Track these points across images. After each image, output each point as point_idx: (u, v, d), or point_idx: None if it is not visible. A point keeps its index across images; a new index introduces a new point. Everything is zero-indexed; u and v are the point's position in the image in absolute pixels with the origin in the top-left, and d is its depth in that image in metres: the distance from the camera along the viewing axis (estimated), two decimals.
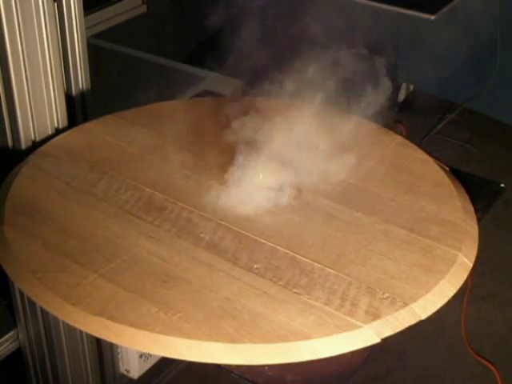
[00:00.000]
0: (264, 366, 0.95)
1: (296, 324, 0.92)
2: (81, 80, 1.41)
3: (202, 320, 0.92)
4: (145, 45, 2.05)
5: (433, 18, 1.96)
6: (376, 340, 0.92)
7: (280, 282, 0.98)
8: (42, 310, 1.21)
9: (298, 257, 1.03)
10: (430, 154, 1.27)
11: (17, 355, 1.29)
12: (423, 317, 0.95)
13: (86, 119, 1.43)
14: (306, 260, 1.02)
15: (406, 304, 0.95)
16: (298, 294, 0.96)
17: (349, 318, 0.93)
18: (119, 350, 1.34)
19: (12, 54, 1.23)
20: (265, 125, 1.24)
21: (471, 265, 1.04)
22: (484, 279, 2.00)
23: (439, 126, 2.65)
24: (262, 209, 1.13)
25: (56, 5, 1.31)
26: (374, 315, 0.93)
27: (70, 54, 1.37)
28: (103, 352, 1.32)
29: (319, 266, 1.01)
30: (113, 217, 1.11)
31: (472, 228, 1.10)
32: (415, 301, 0.96)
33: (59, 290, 0.97)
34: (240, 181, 1.16)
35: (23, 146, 1.30)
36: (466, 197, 1.18)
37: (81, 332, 1.22)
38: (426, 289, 0.98)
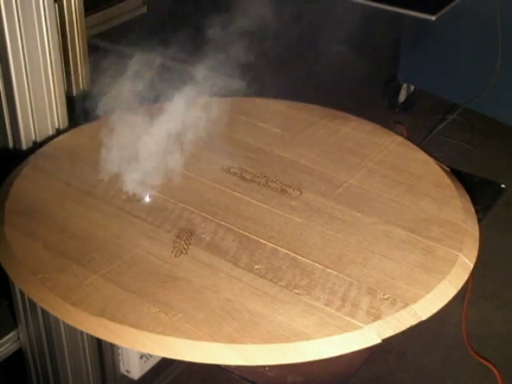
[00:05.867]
0: (264, 366, 0.95)
1: (296, 324, 0.91)
2: (81, 80, 1.41)
3: (203, 320, 0.92)
4: (145, 45, 2.05)
5: (433, 18, 1.96)
6: (377, 340, 0.91)
7: (281, 283, 0.98)
8: (43, 311, 1.20)
9: (299, 257, 1.03)
10: (430, 154, 1.27)
11: (17, 356, 1.29)
12: (424, 317, 0.95)
13: (86, 120, 1.43)
14: (306, 261, 1.02)
15: (406, 304, 0.95)
16: (298, 294, 0.96)
17: (349, 319, 0.93)
18: (120, 351, 1.33)
19: (13, 54, 1.23)
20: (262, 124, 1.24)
21: (472, 265, 1.04)
22: (485, 280, 2.00)
23: (440, 127, 2.65)
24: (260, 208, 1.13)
25: (57, 5, 1.31)
26: (374, 316, 0.93)
27: (70, 55, 1.37)
28: (104, 353, 1.31)
29: (320, 266, 1.01)
30: (113, 217, 1.11)
31: (473, 228, 1.10)
32: (416, 301, 0.95)
33: (59, 291, 0.97)
34: None
35: (24, 147, 1.30)
36: (467, 197, 1.18)
37: (81, 333, 1.22)
38: (426, 289, 0.97)
